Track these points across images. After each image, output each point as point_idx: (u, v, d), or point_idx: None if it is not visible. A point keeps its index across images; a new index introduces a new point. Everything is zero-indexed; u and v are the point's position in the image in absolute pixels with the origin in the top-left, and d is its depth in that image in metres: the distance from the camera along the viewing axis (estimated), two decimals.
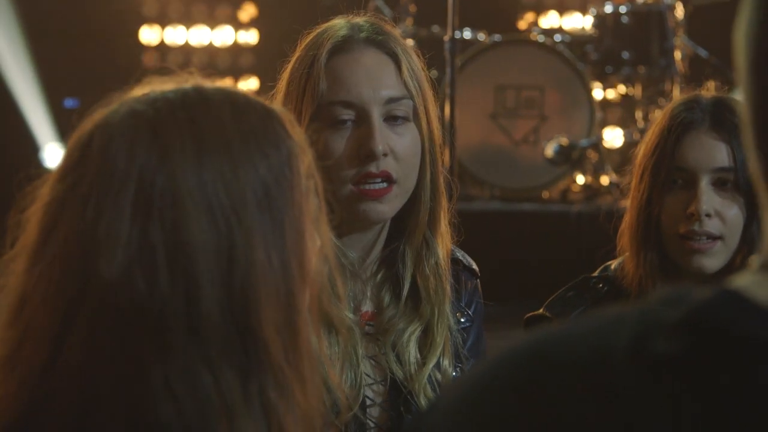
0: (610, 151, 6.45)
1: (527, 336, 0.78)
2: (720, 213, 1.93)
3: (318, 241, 1.12)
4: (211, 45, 7.96)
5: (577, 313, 2.03)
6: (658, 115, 2.02)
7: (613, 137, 6.53)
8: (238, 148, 1.08)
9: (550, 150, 5.92)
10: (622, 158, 6.72)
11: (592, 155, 6.21)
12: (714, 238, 1.92)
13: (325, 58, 1.76)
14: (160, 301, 1.04)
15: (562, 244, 5.61)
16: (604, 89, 6.56)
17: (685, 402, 0.66)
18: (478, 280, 1.98)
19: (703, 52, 6.47)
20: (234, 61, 7.97)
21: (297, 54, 1.81)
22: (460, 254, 1.97)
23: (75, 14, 7.43)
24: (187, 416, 1.03)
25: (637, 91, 6.54)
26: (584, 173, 6.30)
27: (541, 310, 2.10)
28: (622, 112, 6.80)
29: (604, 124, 6.50)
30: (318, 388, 1.10)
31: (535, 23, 7.10)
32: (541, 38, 6.25)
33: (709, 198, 1.92)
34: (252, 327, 1.05)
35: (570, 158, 5.98)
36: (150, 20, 7.89)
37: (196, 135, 1.07)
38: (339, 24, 1.82)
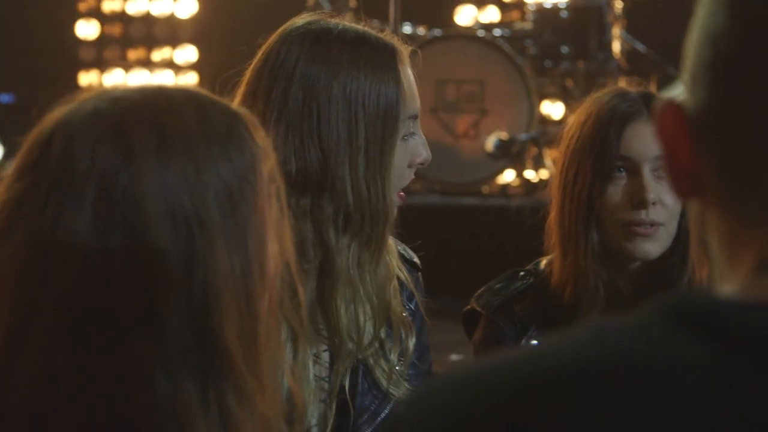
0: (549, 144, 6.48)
1: (531, 361, 0.75)
2: (662, 200, 1.96)
3: (278, 246, 1.10)
4: (148, 14, 7.88)
5: (501, 303, 2.06)
6: (582, 110, 2.03)
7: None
8: (202, 150, 1.06)
9: (490, 144, 5.94)
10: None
11: (532, 149, 6.24)
12: (657, 224, 1.96)
13: None
14: (119, 306, 1.02)
15: (501, 238, 5.63)
16: (543, 84, 6.59)
17: None
18: (420, 274, 1.99)
19: (641, 47, 6.53)
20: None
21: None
22: (401, 248, 1.97)
23: (8, 8, 7.32)
24: (141, 422, 1.01)
25: (575, 86, 6.58)
26: (524, 167, 6.34)
27: (471, 303, 2.11)
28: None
29: (543, 118, 6.53)
30: (277, 396, 1.09)
31: (474, 18, 7.10)
32: (481, 33, 6.27)
33: (653, 186, 1.96)
34: (213, 333, 1.03)
35: (510, 152, 6.00)
36: (86, 15, 7.79)
37: (160, 136, 1.05)
38: None
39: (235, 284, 1.04)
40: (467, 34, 6.31)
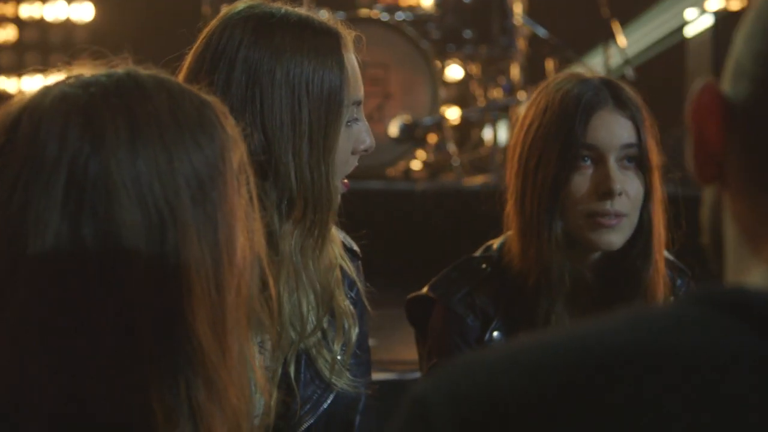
0: (452, 129, 6.50)
1: (566, 345, 0.73)
2: (626, 190, 1.96)
3: (247, 237, 1.08)
4: (42, 20, 7.68)
5: (462, 294, 2.02)
6: (541, 97, 2.01)
7: (453, 115, 6.59)
8: (173, 137, 1.04)
9: (394, 128, 5.93)
10: (461, 136, 6.80)
11: (436, 133, 6.25)
12: (622, 215, 1.96)
13: None
14: (89, 295, 0.99)
15: (406, 221, 5.63)
16: (446, 68, 6.60)
17: None
18: (360, 262, 1.96)
19: (541, 32, 6.58)
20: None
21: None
22: (341, 235, 1.94)
23: None
24: (110, 415, 0.99)
25: (477, 70, 6.61)
26: (426, 151, 6.35)
27: (424, 290, 2.08)
28: (461, 91, 6.86)
29: (446, 102, 6.55)
30: (246, 389, 1.07)
31: (375, 1, 7.07)
32: (384, 16, 6.24)
33: (618, 176, 1.96)
34: (184, 323, 1.01)
35: (414, 136, 6.00)
36: None
37: (130, 122, 1.02)
38: None
39: (206, 274, 1.03)
40: (370, 18, 6.28)
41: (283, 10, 1.79)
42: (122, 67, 1.09)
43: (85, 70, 1.08)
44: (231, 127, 1.10)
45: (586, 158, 1.97)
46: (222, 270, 1.04)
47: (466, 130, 6.86)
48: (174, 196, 1.02)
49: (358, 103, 1.81)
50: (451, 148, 6.24)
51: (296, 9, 1.80)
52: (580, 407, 0.68)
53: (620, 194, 1.95)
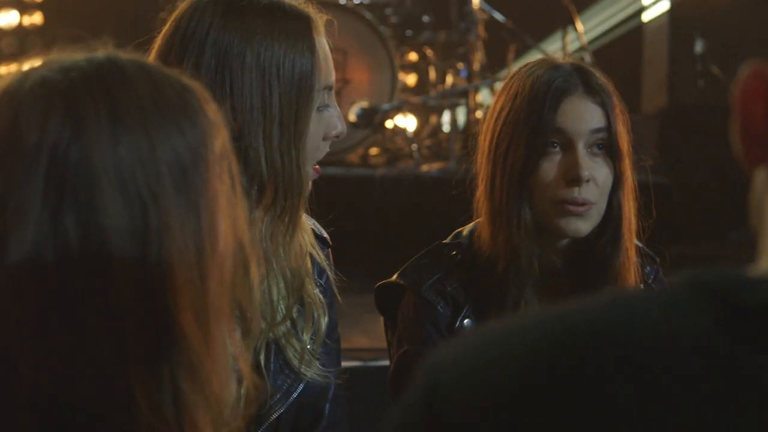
0: (411, 114, 6.48)
1: (566, 319, 0.74)
2: (594, 177, 1.95)
3: (230, 224, 1.06)
4: None
5: (432, 281, 2.00)
6: (512, 83, 2.00)
7: (412, 101, 6.57)
8: (155, 123, 1.01)
9: (352, 114, 5.90)
10: (420, 122, 6.78)
11: (394, 119, 6.23)
12: (590, 203, 1.94)
13: None
14: (71, 283, 0.97)
15: (366, 208, 5.61)
16: (404, 53, 6.58)
17: None
18: (330, 250, 1.94)
19: (499, 17, 6.57)
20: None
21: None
22: (311, 223, 1.92)
23: None
24: (93, 405, 0.97)
25: (436, 55, 6.60)
26: (385, 137, 6.33)
27: (393, 278, 2.06)
28: (418, 76, 6.84)
29: (404, 87, 6.53)
30: (228, 378, 1.06)
31: None
32: (342, 0, 6.21)
33: (587, 163, 1.94)
34: (167, 312, 0.99)
35: (372, 122, 5.98)
36: None
37: (112, 108, 1.00)
38: None
39: (189, 262, 1.01)
40: (328, 2, 6.23)
41: None
42: (102, 51, 1.06)
43: (64, 55, 1.05)
44: (213, 112, 1.07)
45: (555, 144, 1.95)
46: (205, 257, 1.02)
47: (425, 115, 6.85)
48: (156, 183, 1.00)
49: (329, 88, 1.78)
50: (409, 133, 6.23)
51: None
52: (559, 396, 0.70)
53: (588, 181, 1.93)
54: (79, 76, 1.02)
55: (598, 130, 1.95)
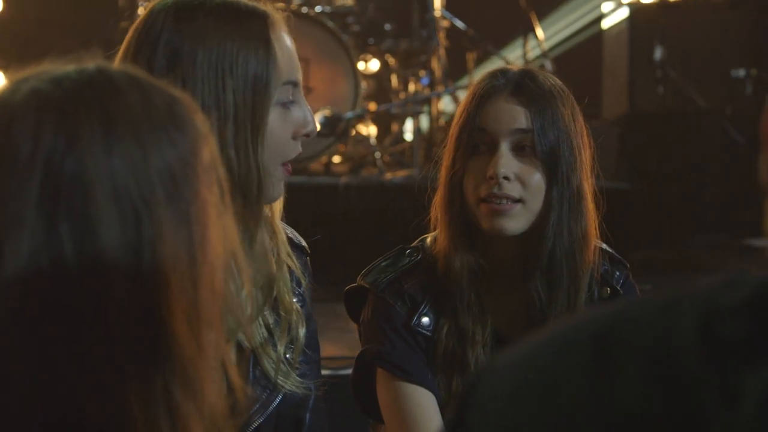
0: (373, 122, 6.49)
1: (578, 317, 0.75)
2: (520, 177, 1.96)
3: (220, 233, 1.07)
4: None
5: (390, 280, 2.05)
6: (468, 92, 2.07)
7: (375, 109, 6.58)
8: (147, 133, 1.02)
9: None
10: (382, 130, 6.80)
11: (357, 127, 6.24)
12: (514, 200, 1.95)
13: None
14: (66, 292, 0.97)
15: (330, 216, 5.61)
16: (367, 61, 6.59)
17: (749, 387, 0.65)
18: (308, 258, 1.93)
19: (460, 24, 6.60)
20: None
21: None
22: (289, 231, 1.91)
23: None
24: (87, 416, 0.97)
25: (398, 63, 6.61)
26: (347, 145, 6.33)
27: (358, 281, 2.08)
28: (380, 84, 6.85)
29: (366, 96, 6.53)
30: (220, 387, 1.06)
31: None
32: (304, 9, 6.21)
33: (507, 161, 1.95)
34: (161, 320, 0.99)
35: (335, 130, 5.98)
36: None
37: (104, 118, 1.00)
38: None
39: (182, 270, 1.02)
40: (290, 10, 6.24)
41: None
42: (92, 62, 1.06)
43: (54, 66, 1.05)
44: (201, 122, 1.08)
45: (481, 145, 1.98)
46: (197, 266, 1.03)
47: (387, 123, 6.86)
48: (149, 192, 1.00)
49: (293, 84, 1.75)
50: (372, 141, 6.24)
51: None
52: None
53: (508, 179, 1.94)
54: (71, 87, 1.02)
55: (521, 131, 1.96)
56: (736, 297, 0.69)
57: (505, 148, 1.96)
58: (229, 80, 1.68)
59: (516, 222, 1.96)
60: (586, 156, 2.01)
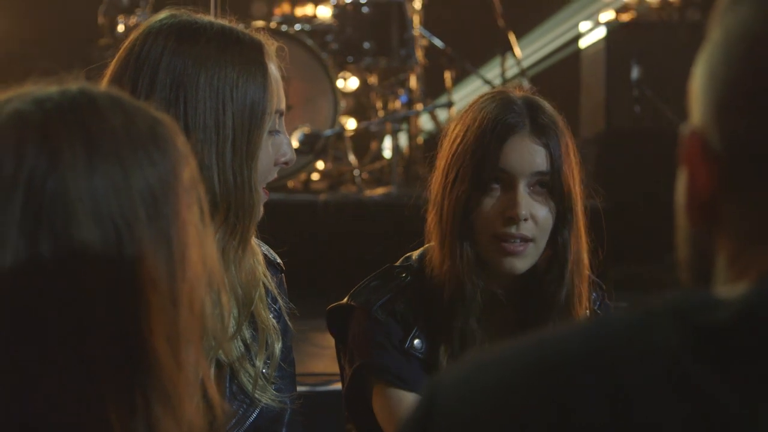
0: (352, 140, 6.51)
1: (539, 338, 0.78)
2: (534, 215, 1.97)
3: (200, 252, 1.08)
4: None
5: (383, 302, 2.02)
6: (468, 113, 2.03)
7: (353, 127, 6.60)
8: (128, 154, 1.03)
9: (294, 139, 5.92)
10: (361, 148, 6.81)
11: (336, 144, 6.25)
12: (527, 240, 1.96)
13: None
14: (47, 312, 0.98)
15: (309, 233, 5.62)
16: (345, 79, 6.61)
17: (760, 399, 0.69)
18: (283, 275, 1.96)
19: (439, 43, 6.64)
20: None
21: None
22: (264, 248, 1.94)
23: None
24: (67, 430, 0.98)
25: (377, 81, 6.63)
26: (326, 162, 6.34)
27: (345, 300, 2.08)
28: (361, 102, 6.87)
29: (345, 113, 6.55)
30: (199, 404, 1.08)
31: (270, 13, 7.04)
32: (284, 27, 6.23)
33: (527, 202, 1.96)
34: (141, 339, 1.01)
35: (314, 148, 6.00)
36: None
37: (86, 139, 1.02)
38: None
39: (162, 289, 1.03)
40: (269, 29, 6.26)
41: (205, 20, 1.79)
42: (74, 84, 1.07)
43: (36, 87, 1.06)
44: (182, 143, 1.10)
45: (497, 181, 1.98)
46: (177, 284, 1.04)
47: (366, 141, 6.88)
48: (130, 212, 1.02)
49: (280, 114, 1.81)
50: (352, 159, 6.25)
51: (218, 20, 1.80)
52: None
53: (526, 219, 1.96)
54: (53, 108, 1.03)
55: (541, 173, 1.98)
56: (722, 317, 0.71)
57: (523, 187, 1.97)
58: (229, 104, 1.72)
59: (527, 262, 1.98)
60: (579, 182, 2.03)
